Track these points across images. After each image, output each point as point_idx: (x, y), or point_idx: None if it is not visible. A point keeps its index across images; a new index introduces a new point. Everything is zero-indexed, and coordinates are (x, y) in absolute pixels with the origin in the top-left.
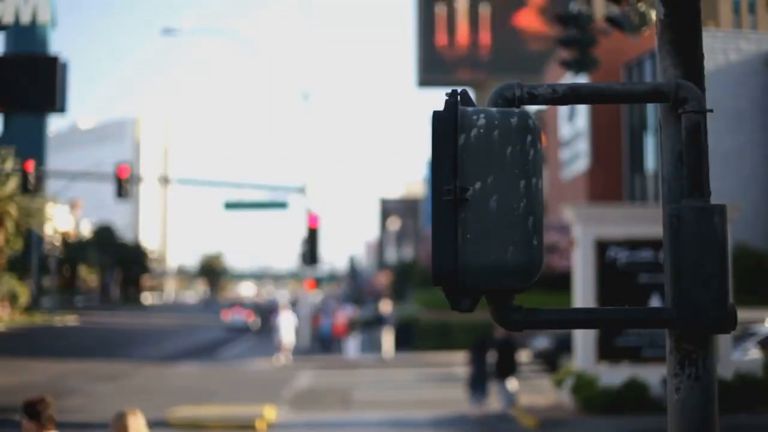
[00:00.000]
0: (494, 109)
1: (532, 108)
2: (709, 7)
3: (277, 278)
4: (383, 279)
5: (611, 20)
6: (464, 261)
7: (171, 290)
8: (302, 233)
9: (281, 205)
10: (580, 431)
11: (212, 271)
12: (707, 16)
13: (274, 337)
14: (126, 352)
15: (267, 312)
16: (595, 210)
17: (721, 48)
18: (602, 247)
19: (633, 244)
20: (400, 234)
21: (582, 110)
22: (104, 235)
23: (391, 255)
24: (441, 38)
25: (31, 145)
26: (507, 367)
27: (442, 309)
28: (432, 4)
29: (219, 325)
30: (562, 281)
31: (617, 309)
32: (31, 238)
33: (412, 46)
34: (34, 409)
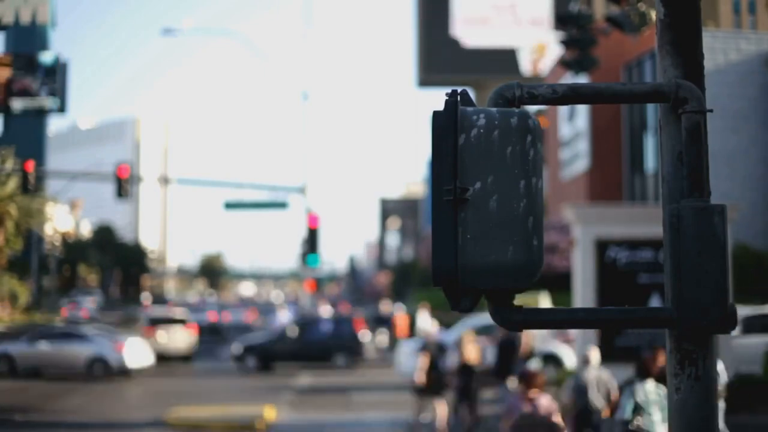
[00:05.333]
0: (494, 109)
1: (532, 108)
2: (709, 7)
3: (277, 278)
4: (383, 279)
5: (611, 20)
6: (464, 261)
7: (171, 289)
8: (302, 233)
9: (281, 205)
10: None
11: (212, 271)
12: (707, 16)
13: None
14: None
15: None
16: (595, 210)
17: (721, 48)
18: (602, 247)
19: (633, 244)
20: (400, 234)
21: (582, 110)
22: (104, 235)
23: (391, 255)
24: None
25: (31, 145)
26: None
27: (442, 309)
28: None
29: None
30: (562, 281)
31: (617, 309)
32: (31, 238)
33: (412, 46)
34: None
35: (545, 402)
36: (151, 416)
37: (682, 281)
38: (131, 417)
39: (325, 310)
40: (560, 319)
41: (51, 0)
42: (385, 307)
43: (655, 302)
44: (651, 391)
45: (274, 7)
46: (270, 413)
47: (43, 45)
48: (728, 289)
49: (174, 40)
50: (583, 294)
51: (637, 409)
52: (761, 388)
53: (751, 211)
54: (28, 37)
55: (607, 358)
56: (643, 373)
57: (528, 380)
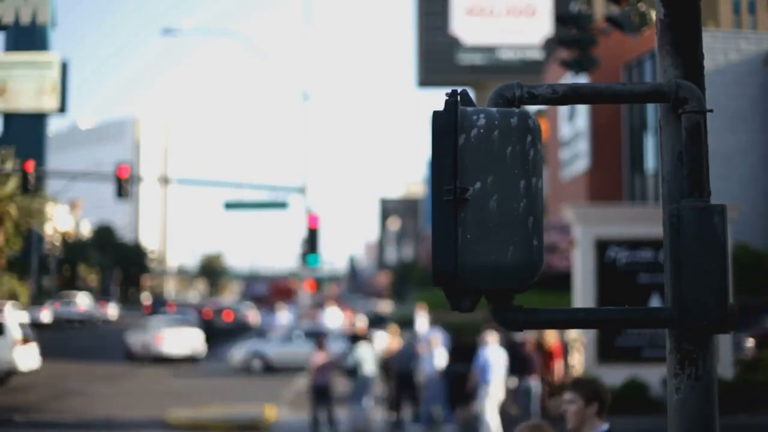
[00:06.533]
0: (494, 109)
1: (532, 108)
2: (709, 7)
3: (277, 278)
4: (383, 279)
5: (611, 20)
6: (464, 261)
7: (170, 290)
8: (302, 233)
9: (281, 205)
10: None
11: (212, 271)
12: (707, 16)
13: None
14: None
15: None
16: (595, 210)
17: (721, 48)
18: (602, 247)
19: (633, 244)
20: (400, 234)
21: (582, 110)
22: (104, 235)
23: (391, 255)
24: (441, 38)
25: (31, 145)
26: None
27: (442, 309)
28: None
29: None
30: (562, 281)
31: (617, 309)
32: (31, 238)
33: (412, 46)
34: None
35: (320, 357)
36: (151, 417)
37: (682, 281)
38: (131, 416)
39: (332, 312)
40: (560, 319)
41: (51, 0)
42: (383, 306)
43: (655, 302)
44: (364, 350)
45: (274, 7)
46: (270, 413)
47: (43, 45)
48: (728, 289)
49: (174, 40)
50: (583, 294)
51: (356, 361)
52: (761, 388)
53: (751, 211)
54: (28, 37)
55: (607, 357)
56: (359, 339)
57: (318, 343)
